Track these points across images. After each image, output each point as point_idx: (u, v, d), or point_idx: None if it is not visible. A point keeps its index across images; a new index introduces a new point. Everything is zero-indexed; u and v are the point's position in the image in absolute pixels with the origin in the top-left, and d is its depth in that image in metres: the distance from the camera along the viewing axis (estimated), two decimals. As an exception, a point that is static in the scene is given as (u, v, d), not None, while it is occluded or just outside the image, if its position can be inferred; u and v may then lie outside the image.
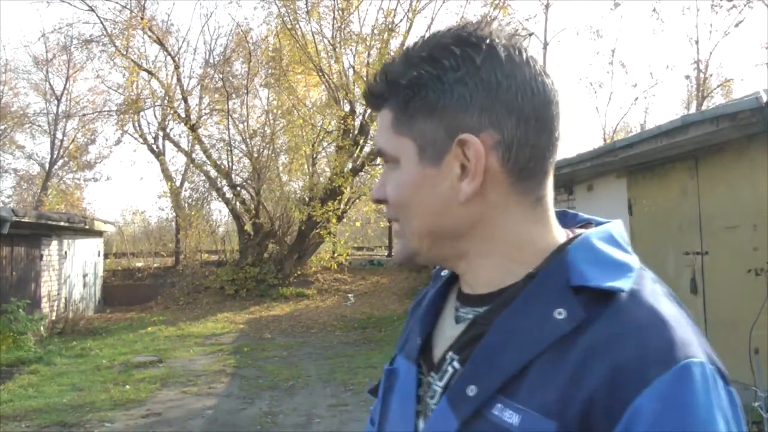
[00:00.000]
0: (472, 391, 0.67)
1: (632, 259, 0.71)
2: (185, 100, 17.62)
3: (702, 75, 20.35)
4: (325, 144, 16.93)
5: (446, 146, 0.71)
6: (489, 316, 0.71)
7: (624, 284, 0.66)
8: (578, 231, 0.76)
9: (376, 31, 14.52)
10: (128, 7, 16.95)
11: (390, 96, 0.74)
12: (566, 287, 0.66)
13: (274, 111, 17.39)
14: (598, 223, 0.78)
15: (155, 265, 18.85)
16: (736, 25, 20.59)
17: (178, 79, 17.63)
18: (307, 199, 15.91)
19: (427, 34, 0.76)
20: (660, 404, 0.57)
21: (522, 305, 0.68)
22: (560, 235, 0.75)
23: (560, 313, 0.65)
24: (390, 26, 14.30)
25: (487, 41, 0.71)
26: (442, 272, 0.86)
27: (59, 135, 24.22)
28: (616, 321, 0.63)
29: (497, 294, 0.72)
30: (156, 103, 18.21)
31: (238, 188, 17.55)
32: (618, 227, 0.75)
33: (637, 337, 0.61)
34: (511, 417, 0.63)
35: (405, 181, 0.74)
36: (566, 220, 0.80)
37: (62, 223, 12.10)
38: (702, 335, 0.67)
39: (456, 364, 0.72)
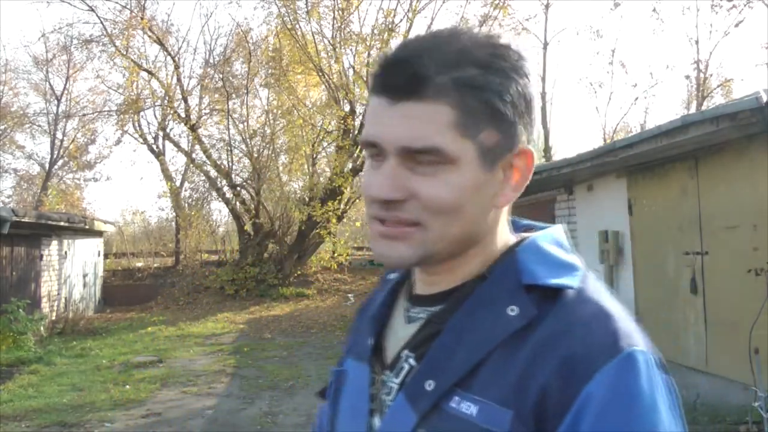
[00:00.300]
0: (430, 385, 0.70)
1: (577, 260, 0.76)
2: (185, 100, 17.62)
3: (702, 75, 20.35)
4: (325, 144, 16.94)
5: (503, 154, 0.73)
6: (443, 314, 0.74)
7: (572, 282, 0.71)
8: (524, 235, 0.80)
9: (376, 31, 14.53)
10: (128, 7, 16.96)
11: (447, 90, 0.69)
12: (518, 286, 0.71)
13: (274, 111, 17.39)
14: (540, 228, 0.82)
15: (155, 265, 18.85)
16: (736, 25, 20.56)
17: (178, 79, 17.64)
18: (307, 199, 15.91)
19: (466, 29, 0.73)
20: (608, 390, 0.62)
21: (475, 304, 0.72)
22: (512, 239, 0.80)
23: (513, 310, 0.69)
24: (390, 26, 14.30)
25: (529, 59, 0.74)
26: (390, 275, 0.88)
27: (59, 135, 24.20)
28: (565, 317, 0.68)
29: (449, 293, 0.76)
30: (156, 103, 18.22)
31: (238, 188, 17.55)
32: (560, 231, 0.81)
33: (585, 330, 0.66)
34: (468, 408, 0.67)
35: (466, 184, 0.71)
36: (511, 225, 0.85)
37: (62, 223, 12.09)
38: (641, 330, 0.71)
39: (412, 361, 0.74)
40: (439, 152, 0.69)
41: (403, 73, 0.69)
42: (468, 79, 0.69)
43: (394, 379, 0.75)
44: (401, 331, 0.79)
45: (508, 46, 0.72)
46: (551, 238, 0.78)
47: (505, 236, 0.79)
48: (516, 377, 0.65)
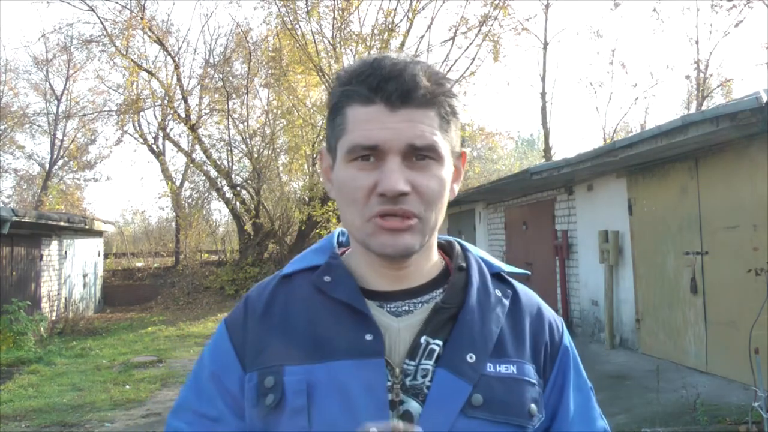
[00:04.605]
0: (471, 358, 0.84)
1: None
2: (185, 100, 17.62)
3: (702, 75, 20.32)
4: (325, 144, 16.91)
5: (456, 155, 0.90)
6: (451, 300, 0.88)
7: (520, 269, 0.98)
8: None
9: (376, 31, 14.52)
10: (128, 7, 16.96)
11: (435, 102, 0.84)
12: (488, 274, 0.93)
13: (274, 111, 17.38)
14: None
15: (155, 265, 18.85)
16: (736, 25, 20.62)
17: (178, 79, 17.64)
18: (307, 199, 15.91)
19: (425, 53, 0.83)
20: (569, 343, 0.95)
21: (477, 289, 0.89)
22: None
23: (498, 293, 0.91)
24: (390, 26, 14.30)
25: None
26: (325, 278, 0.89)
27: (59, 135, 24.14)
28: (528, 294, 0.95)
29: (431, 284, 0.90)
30: (156, 103, 18.22)
31: (238, 188, 17.55)
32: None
33: (543, 303, 0.96)
34: (507, 368, 0.85)
35: (447, 178, 0.86)
36: None
37: (62, 223, 12.09)
38: None
39: (438, 341, 0.84)
40: (435, 150, 0.82)
41: (404, 85, 0.81)
42: (445, 93, 0.85)
43: (426, 361, 0.83)
44: (395, 323, 0.86)
45: (447, 75, 0.89)
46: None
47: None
48: (530, 340, 0.90)
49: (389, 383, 0.81)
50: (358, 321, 0.84)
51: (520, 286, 0.95)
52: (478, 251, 0.97)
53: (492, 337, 0.86)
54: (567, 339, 0.94)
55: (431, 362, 0.82)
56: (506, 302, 0.90)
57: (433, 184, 0.82)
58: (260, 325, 0.89)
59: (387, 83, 0.81)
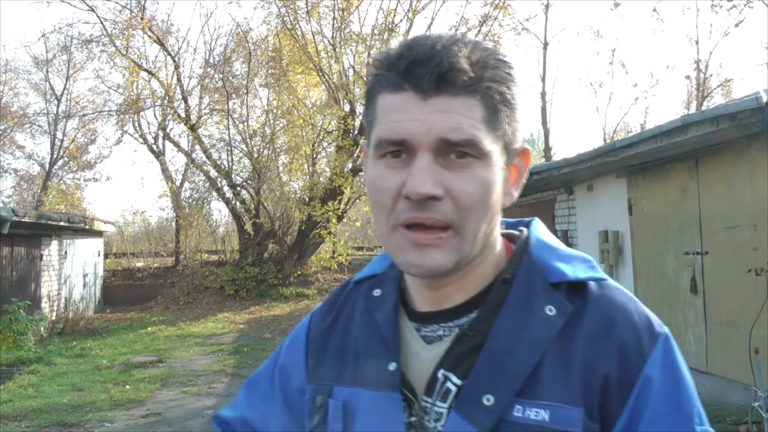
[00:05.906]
0: (488, 400, 0.68)
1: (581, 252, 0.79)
2: (185, 100, 17.61)
3: (702, 75, 20.33)
4: (325, 144, 16.94)
5: (514, 153, 0.75)
6: (479, 326, 0.72)
7: (599, 273, 0.75)
8: (511, 232, 0.82)
9: (376, 31, 14.53)
10: (128, 7, 16.96)
11: (478, 89, 0.69)
12: (545, 285, 0.73)
13: (274, 111, 17.38)
14: (510, 224, 0.84)
15: (155, 265, 18.85)
16: (736, 25, 20.63)
17: (178, 79, 17.63)
18: (307, 199, 15.90)
19: (468, 37, 0.73)
20: (661, 371, 0.69)
21: (513, 309, 0.72)
22: (500, 238, 0.79)
23: (551, 310, 0.71)
24: (390, 26, 14.31)
25: (518, 72, 0.75)
26: (375, 292, 0.81)
27: (59, 135, 24.17)
28: (604, 307, 0.72)
29: (471, 302, 0.74)
30: (156, 103, 18.22)
31: (238, 188, 17.54)
32: (541, 224, 0.83)
33: (626, 317, 0.71)
34: (538, 414, 0.67)
35: (494, 180, 0.71)
36: None
37: (62, 223, 12.09)
38: None
39: (455, 379, 0.71)
40: (475, 145, 0.68)
41: (437, 69, 0.67)
42: (493, 78, 0.70)
43: (440, 404, 0.71)
44: (423, 352, 0.74)
45: (506, 56, 0.74)
46: (545, 232, 0.81)
47: (499, 236, 0.79)
48: (579, 372, 0.68)
49: (413, 419, 0.72)
50: (386, 347, 0.75)
51: (599, 295, 0.73)
52: (546, 251, 0.77)
53: (523, 372, 0.68)
54: (654, 366, 0.69)
55: (446, 404, 0.70)
56: (558, 322, 0.70)
57: (472, 187, 0.68)
58: (325, 333, 0.85)
59: (417, 66, 0.68)
